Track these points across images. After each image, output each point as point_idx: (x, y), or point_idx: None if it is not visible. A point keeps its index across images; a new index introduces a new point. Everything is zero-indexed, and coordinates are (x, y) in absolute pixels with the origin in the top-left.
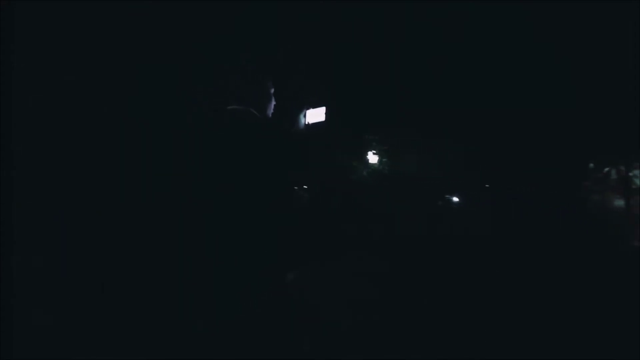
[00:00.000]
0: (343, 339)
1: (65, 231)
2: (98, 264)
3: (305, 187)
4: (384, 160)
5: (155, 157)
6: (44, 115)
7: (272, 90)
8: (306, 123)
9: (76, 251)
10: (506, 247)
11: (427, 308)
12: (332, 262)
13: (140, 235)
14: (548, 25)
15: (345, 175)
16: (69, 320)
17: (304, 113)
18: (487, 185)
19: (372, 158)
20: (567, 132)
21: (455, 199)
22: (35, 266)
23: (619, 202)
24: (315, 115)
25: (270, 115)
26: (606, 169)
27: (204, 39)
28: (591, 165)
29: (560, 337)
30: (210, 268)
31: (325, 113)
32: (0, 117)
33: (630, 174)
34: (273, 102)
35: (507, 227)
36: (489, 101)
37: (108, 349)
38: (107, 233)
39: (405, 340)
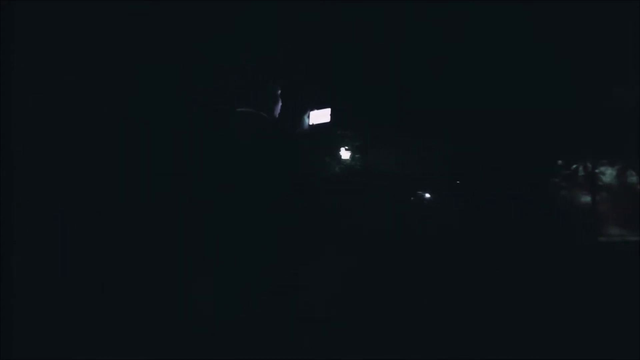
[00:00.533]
0: (343, 339)
1: (65, 231)
2: (98, 264)
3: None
4: (356, 156)
5: (155, 157)
6: (44, 115)
7: (279, 92)
8: (310, 124)
9: (76, 251)
10: (477, 242)
11: (428, 308)
12: (328, 261)
13: (140, 235)
14: (518, 28)
15: (338, 173)
16: (69, 320)
17: (307, 114)
18: (457, 182)
19: (345, 154)
20: (536, 130)
21: (428, 195)
22: (35, 266)
23: (586, 198)
24: (320, 116)
25: (277, 116)
26: (574, 166)
27: (204, 39)
28: (559, 162)
29: (533, 330)
30: (210, 268)
31: (331, 114)
32: (0, 117)
33: (597, 170)
34: (280, 104)
35: (477, 223)
36: (462, 101)
37: (108, 349)
38: (106, 233)
39: (405, 340)
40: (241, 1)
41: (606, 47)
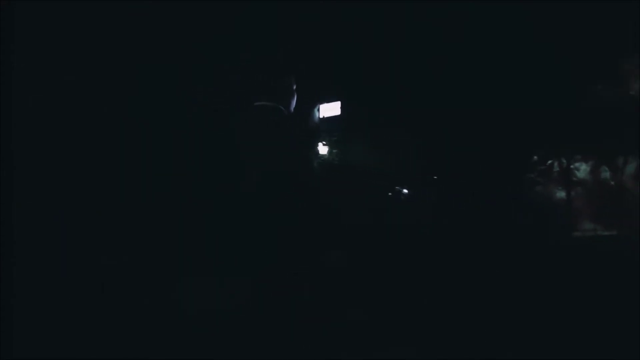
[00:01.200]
0: (343, 338)
1: (65, 231)
2: (98, 264)
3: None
4: (334, 151)
5: (156, 157)
6: (44, 115)
7: (295, 87)
8: (320, 117)
9: (76, 251)
10: (455, 239)
11: (428, 308)
12: (325, 259)
13: (140, 235)
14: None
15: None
16: (69, 320)
17: (317, 107)
18: (435, 177)
19: (323, 149)
20: (510, 125)
21: (405, 191)
22: (35, 266)
23: (561, 194)
24: (330, 109)
25: (292, 110)
26: (549, 162)
27: (204, 39)
28: (535, 157)
29: (517, 328)
30: (211, 268)
31: (341, 107)
32: (0, 117)
33: (572, 166)
34: (295, 97)
35: (454, 219)
36: (441, 97)
37: (108, 349)
38: (107, 233)
39: (405, 340)
40: (241, 1)
41: (582, 45)
